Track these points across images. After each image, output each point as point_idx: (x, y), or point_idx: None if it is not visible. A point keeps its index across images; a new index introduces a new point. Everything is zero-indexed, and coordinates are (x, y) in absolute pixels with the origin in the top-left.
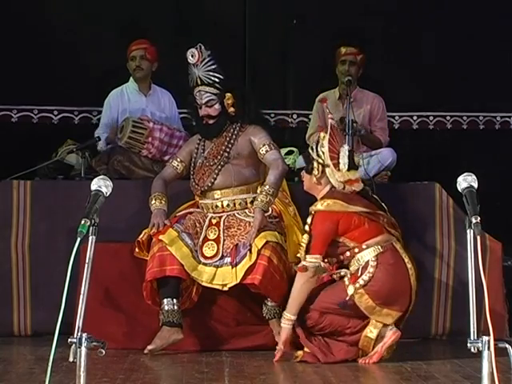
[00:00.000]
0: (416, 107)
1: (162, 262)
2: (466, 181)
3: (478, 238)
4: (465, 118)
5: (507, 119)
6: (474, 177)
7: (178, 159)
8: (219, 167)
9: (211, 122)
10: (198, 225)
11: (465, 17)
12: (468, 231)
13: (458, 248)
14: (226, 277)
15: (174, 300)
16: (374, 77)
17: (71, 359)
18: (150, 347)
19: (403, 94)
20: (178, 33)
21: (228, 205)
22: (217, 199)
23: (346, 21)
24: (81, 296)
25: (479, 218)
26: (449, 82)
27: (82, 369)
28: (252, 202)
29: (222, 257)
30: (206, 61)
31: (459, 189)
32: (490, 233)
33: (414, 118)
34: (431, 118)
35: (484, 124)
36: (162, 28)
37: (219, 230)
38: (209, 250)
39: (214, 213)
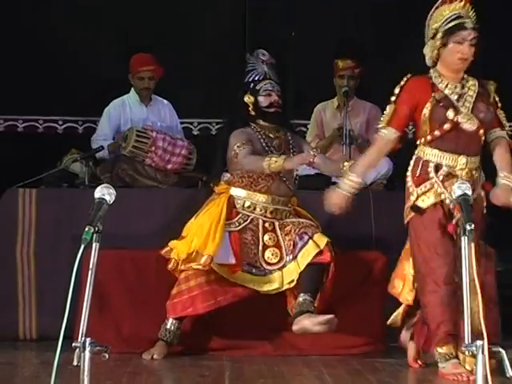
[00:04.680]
0: None
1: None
2: (460, 189)
3: (472, 244)
4: None
5: None
6: (469, 185)
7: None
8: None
9: (280, 110)
10: (251, 236)
11: None
12: (462, 238)
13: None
14: (292, 273)
15: (178, 323)
16: (370, 87)
17: (75, 363)
18: (144, 356)
19: None
20: (179, 46)
21: (276, 211)
22: (278, 201)
23: (343, 33)
24: (84, 301)
25: (473, 225)
26: None
27: (86, 373)
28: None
29: (283, 257)
30: (271, 61)
31: (454, 196)
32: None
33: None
34: None
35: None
36: (163, 41)
37: (277, 236)
38: (272, 256)
39: (263, 215)
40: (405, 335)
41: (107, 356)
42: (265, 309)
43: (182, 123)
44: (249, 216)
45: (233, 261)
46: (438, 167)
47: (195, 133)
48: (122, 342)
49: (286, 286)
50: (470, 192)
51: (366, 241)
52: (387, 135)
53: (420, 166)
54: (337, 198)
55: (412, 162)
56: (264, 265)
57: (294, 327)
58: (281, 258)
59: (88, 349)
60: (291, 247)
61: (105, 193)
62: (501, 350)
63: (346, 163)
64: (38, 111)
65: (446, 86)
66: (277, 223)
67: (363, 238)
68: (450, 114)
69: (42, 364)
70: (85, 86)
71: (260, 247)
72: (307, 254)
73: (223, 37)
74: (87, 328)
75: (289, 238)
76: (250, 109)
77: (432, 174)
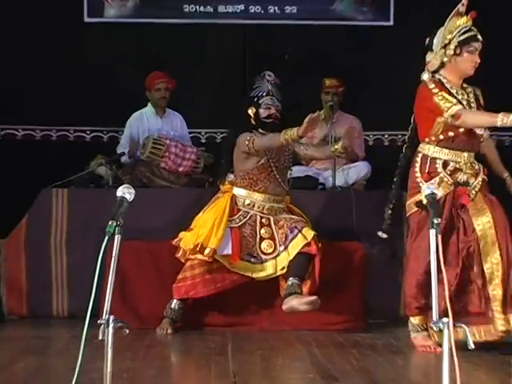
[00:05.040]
0: (387, 127)
1: (209, 282)
2: (429, 188)
3: (439, 236)
4: None
5: None
6: (436, 185)
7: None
8: (283, 169)
9: (277, 122)
10: (250, 230)
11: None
12: (431, 230)
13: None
14: (284, 261)
15: (181, 303)
16: (353, 102)
17: (100, 337)
18: (157, 330)
19: (377, 116)
20: (189, 67)
21: (272, 208)
22: (274, 199)
23: (330, 57)
24: (108, 284)
25: (440, 220)
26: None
27: (110, 345)
28: (278, 211)
29: (277, 248)
30: (276, 81)
31: (424, 195)
32: None
33: (386, 136)
34: (399, 136)
35: None
36: (176, 64)
37: (271, 229)
38: (267, 247)
39: (261, 211)
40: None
41: (127, 331)
42: (262, 291)
43: (191, 132)
44: (248, 212)
45: (229, 252)
46: (445, 163)
47: (203, 141)
48: (140, 319)
49: (278, 273)
50: (436, 191)
51: (348, 233)
52: (460, 106)
53: (428, 163)
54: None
55: (418, 160)
56: (260, 254)
57: (284, 306)
58: (275, 249)
59: (111, 325)
60: (283, 239)
61: (125, 192)
62: (463, 325)
63: (336, 146)
64: (69, 122)
65: (456, 92)
66: (272, 218)
67: (346, 230)
68: None
69: (71, 338)
70: (109, 102)
71: (257, 239)
72: (296, 245)
73: (226, 60)
74: (110, 307)
75: (281, 232)
76: (251, 119)
77: (440, 169)
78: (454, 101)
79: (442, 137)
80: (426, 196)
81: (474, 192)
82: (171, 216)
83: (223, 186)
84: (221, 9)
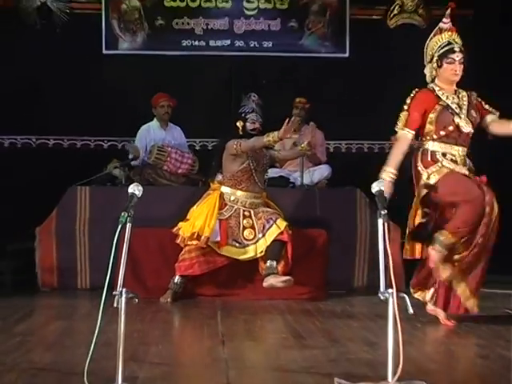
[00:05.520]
0: (344, 137)
1: (204, 263)
2: (377, 185)
3: (389, 225)
4: (376, 144)
5: None
6: (383, 183)
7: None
8: (262, 171)
9: (259, 134)
10: (235, 221)
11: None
12: (379, 219)
13: (371, 229)
14: (262, 246)
15: (182, 279)
16: (317, 116)
17: (115, 305)
18: (161, 299)
19: (336, 128)
20: (187, 90)
21: (253, 203)
22: (254, 196)
23: (299, 81)
24: (122, 262)
25: (386, 211)
26: (365, 120)
27: (123, 312)
28: (257, 205)
29: (256, 235)
30: (259, 101)
31: (373, 191)
32: (393, 219)
33: (343, 144)
34: (354, 144)
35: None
36: (177, 87)
37: (252, 220)
38: (249, 234)
39: (243, 205)
40: (430, 307)
41: (137, 300)
42: (245, 269)
43: (188, 142)
44: (233, 207)
45: (218, 239)
46: (444, 154)
47: (197, 148)
48: (147, 291)
49: (258, 255)
50: (383, 188)
51: (313, 222)
52: (405, 134)
53: (429, 155)
54: (387, 187)
55: (420, 153)
56: (243, 240)
57: (264, 284)
58: (255, 236)
59: (124, 296)
60: (262, 228)
61: (135, 189)
62: (404, 295)
63: (302, 145)
64: (90, 133)
65: (447, 97)
66: (252, 211)
67: (311, 220)
68: (456, 119)
69: (92, 306)
70: (122, 117)
71: (241, 228)
72: (272, 234)
73: (216, 84)
74: (123, 281)
75: (260, 222)
76: (239, 130)
77: (441, 158)
78: (405, 125)
79: (435, 136)
80: (374, 192)
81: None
82: (171, 208)
83: (213, 184)
84: (212, 43)
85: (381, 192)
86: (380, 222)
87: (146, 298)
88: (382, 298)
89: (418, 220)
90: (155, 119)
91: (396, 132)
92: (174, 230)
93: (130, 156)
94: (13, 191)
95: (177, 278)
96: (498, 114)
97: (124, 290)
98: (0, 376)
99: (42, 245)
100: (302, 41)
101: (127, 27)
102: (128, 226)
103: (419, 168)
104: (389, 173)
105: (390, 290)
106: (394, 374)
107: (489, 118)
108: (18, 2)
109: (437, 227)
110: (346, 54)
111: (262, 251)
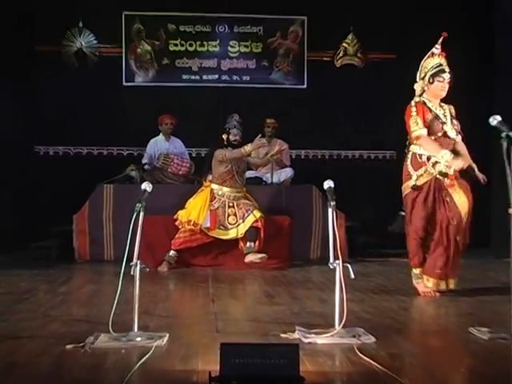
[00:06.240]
0: (303, 147)
1: (193, 240)
2: (328, 184)
3: (336, 212)
4: (327, 153)
5: (348, 154)
6: (332, 182)
7: None
8: (242, 173)
9: (239, 144)
10: (221, 210)
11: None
12: (329, 208)
13: (323, 216)
14: (242, 230)
15: (176, 253)
16: (282, 133)
17: (131, 273)
18: (159, 268)
19: (297, 140)
20: (186, 111)
21: (235, 196)
22: (236, 191)
23: (270, 105)
24: (136, 241)
25: (334, 202)
26: (319, 135)
27: (137, 278)
28: (239, 198)
29: (238, 221)
30: (239, 120)
31: (325, 187)
32: (339, 208)
33: (302, 152)
34: (310, 153)
35: (344, 156)
36: (178, 109)
37: (235, 210)
38: (232, 220)
39: (228, 198)
40: (417, 283)
41: (147, 269)
42: (229, 246)
43: (187, 150)
44: (220, 199)
45: (208, 225)
46: (428, 158)
47: (193, 155)
48: (155, 262)
49: (239, 236)
50: (332, 185)
51: (280, 211)
52: (424, 131)
53: (417, 157)
54: (459, 161)
55: (410, 156)
56: (228, 225)
57: (246, 260)
58: (236, 221)
59: (138, 266)
60: (242, 216)
61: (147, 186)
62: (347, 264)
63: (271, 153)
64: (113, 144)
65: (436, 108)
66: (235, 203)
67: (279, 209)
68: (444, 127)
69: (115, 273)
70: (137, 132)
71: (226, 216)
72: (249, 221)
73: (208, 107)
74: (138, 255)
75: (241, 211)
76: (224, 141)
77: (426, 162)
78: (421, 125)
79: None
80: (325, 188)
81: (450, 179)
82: (173, 200)
83: (205, 182)
84: (204, 77)
85: (330, 187)
86: (330, 210)
87: (154, 268)
88: (331, 266)
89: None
90: (161, 134)
91: (408, 140)
92: (175, 216)
93: (145, 161)
94: (56, 188)
95: (171, 252)
96: (462, 136)
97: (138, 261)
98: (48, 325)
99: (78, 228)
100: (272, 76)
101: (141, 65)
102: (141, 214)
103: (409, 169)
104: (446, 153)
105: (337, 261)
106: (340, 322)
107: (456, 136)
108: (62, 48)
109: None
110: (304, 86)
111: (241, 233)
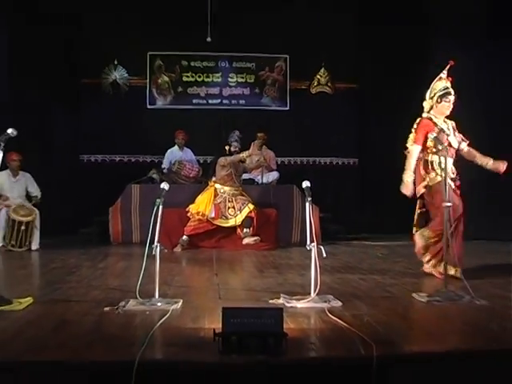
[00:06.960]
0: (287, 155)
1: (201, 227)
2: (305, 183)
3: (312, 206)
4: (305, 159)
5: (326, 161)
6: (308, 182)
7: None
8: (239, 175)
9: (238, 153)
10: (223, 204)
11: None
12: (307, 203)
13: (302, 209)
14: (239, 219)
15: (187, 238)
16: (271, 143)
17: (153, 253)
18: (174, 249)
19: (282, 149)
20: (196, 129)
21: (234, 193)
22: (234, 189)
23: (261, 123)
24: (157, 228)
25: (311, 198)
26: (299, 145)
27: (157, 257)
28: (237, 195)
29: (236, 212)
30: (240, 135)
31: (303, 186)
32: (314, 203)
33: (286, 159)
34: (292, 159)
35: (318, 162)
36: (190, 127)
37: (234, 204)
38: (231, 212)
39: (228, 195)
40: (427, 267)
41: (166, 250)
42: (229, 232)
43: (196, 158)
44: (222, 196)
45: (213, 215)
46: (439, 164)
47: (201, 162)
48: (172, 244)
49: (237, 224)
50: (309, 184)
51: (269, 205)
52: (415, 148)
53: (429, 163)
54: (406, 189)
55: (422, 163)
56: (228, 215)
57: (243, 242)
58: (235, 213)
59: (158, 248)
60: (239, 208)
61: (165, 186)
62: (321, 246)
63: (261, 159)
64: (140, 153)
65: (441, 123)
66: (234, 198)
67: (268, 204)
68: (449, 138)
69: (141, 253)
70: (158, 144)
71: (226, 208)
72: (245, 212)
73: (212, 125)
74: (158, 239)
75: (238, 205)
76: (226, 151)
77: (437, 167)
78: (414, 142)
79: (434, 149)
80: (304, 187)
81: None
82: (186, 197)
83: (210, 182)
84: (210, 102)
85: (308, 186)
86: (307, 204)
87: (171, 249)
88: (308, 248)
89: (418, 211)
90: (176, 145)
91: (406, 148)
92: (187, 209)
93: (164, 166)
94: (96, 187)
95: (184, 237)
96: (467, 142)
97: (158, 244)
98: (90, 292)
99: (113, 218)
100: (262, 100)
101: (161, 93)
102: (161, 207)
103: (422, 173)
104: (409, 175)
105: (312, 244)
106: (315, 291)
107: (461, 145)
108: (101, 80)
109: (427, 220)
110: (287, 108)
111: (239, 222)
